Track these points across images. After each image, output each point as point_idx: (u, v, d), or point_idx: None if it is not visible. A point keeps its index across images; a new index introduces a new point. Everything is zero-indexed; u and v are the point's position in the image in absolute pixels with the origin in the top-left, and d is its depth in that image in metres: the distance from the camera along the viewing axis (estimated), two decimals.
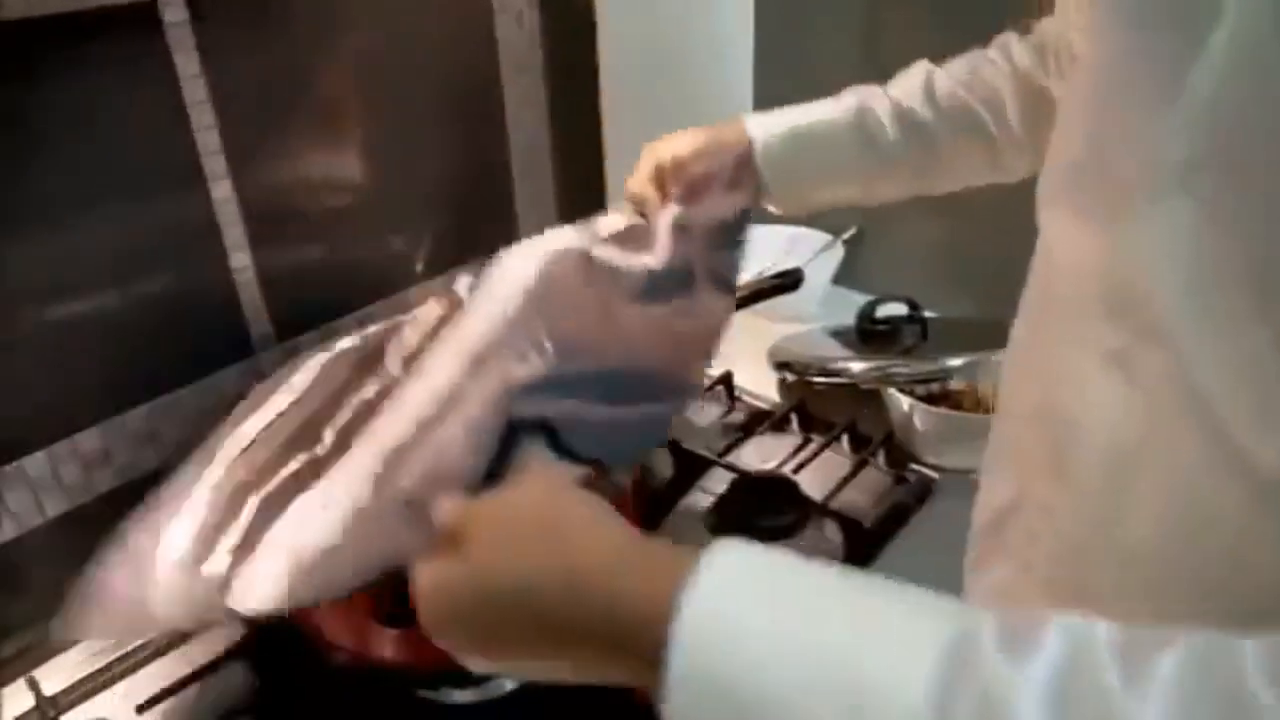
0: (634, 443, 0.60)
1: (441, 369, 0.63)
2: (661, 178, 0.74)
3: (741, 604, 0.31)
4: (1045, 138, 0.53)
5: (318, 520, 0.54)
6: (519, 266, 0.73)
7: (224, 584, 0.55)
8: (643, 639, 0.32)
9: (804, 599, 0.32)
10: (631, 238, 0.73)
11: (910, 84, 0.72)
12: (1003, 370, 0.54)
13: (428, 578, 0.40)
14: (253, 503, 0.58)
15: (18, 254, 0.65)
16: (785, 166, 0.73)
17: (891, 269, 1.18)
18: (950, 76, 0.72)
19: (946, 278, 1.13)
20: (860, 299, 1.20)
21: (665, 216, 0.73)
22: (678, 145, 0.74)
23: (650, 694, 0.32)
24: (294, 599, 0.52)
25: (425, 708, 0.66)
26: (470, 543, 0.39)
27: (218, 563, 0.56)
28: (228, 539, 0.57)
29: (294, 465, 0.60)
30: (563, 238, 0.76)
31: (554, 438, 0.55)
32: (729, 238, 0.71)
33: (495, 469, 0.52)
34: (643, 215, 0.76)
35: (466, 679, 0.66)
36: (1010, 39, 0.71)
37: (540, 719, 0.66)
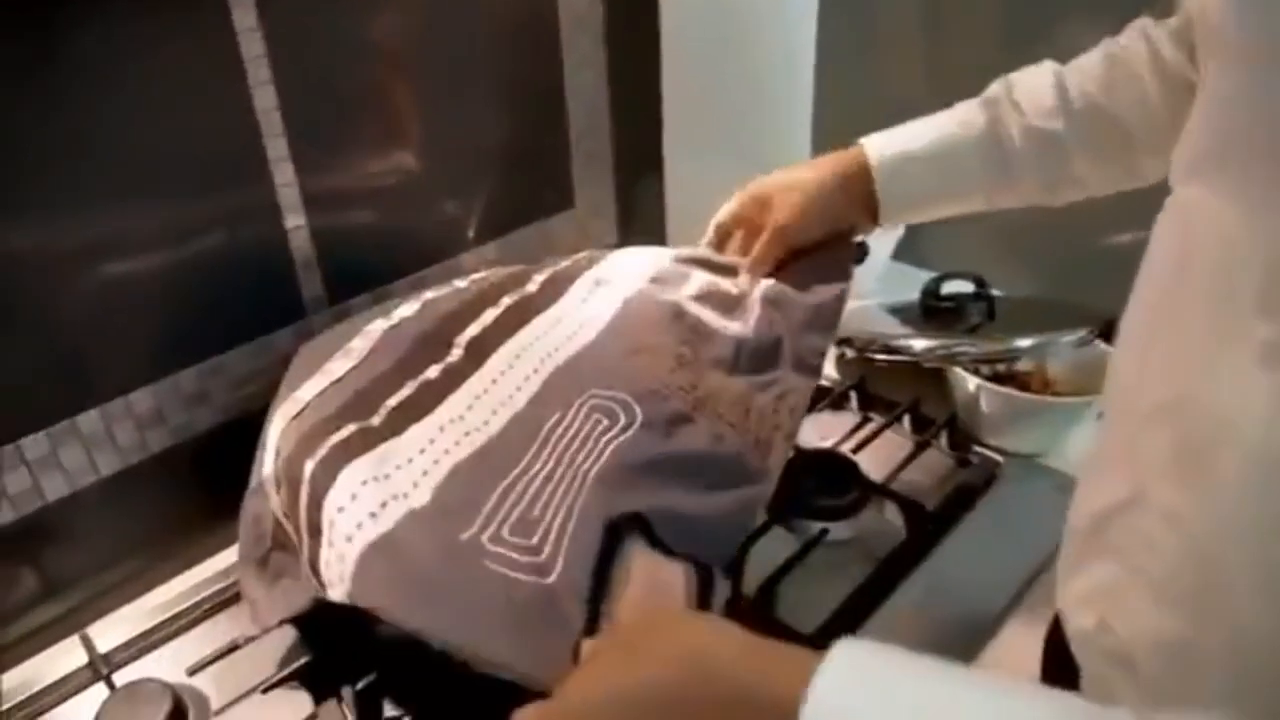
0: (728, 536, 0.58)
1: (516, 387, 0.63)
2: (753, 218, 0.74)
3: (860, 704, 0.33)
4: None
5: (375, 514, 0.54)
6: (606, 296, 0.73)
7: (312, 569, 0.55)
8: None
9: (923, 702, 0.34)
10: (723, 301, 0.72)
11: (1039, 93, 0.67)
12: (1115, 361, 0.50)
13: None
14: (309, 467, 0.57)
15: (72, 214, 0.64)
16: (904, 192, 0.71)
17: (954, 245, 1.14)
18: (1084, 78, 0.66)
19: (1013, 255, 1.09)
20: (920, 275, 1.17)
21: (761, 287, 0.72)
22: (784, 204, 0.72)
23: None
24: (354, 598, 0.52)
25: (473, 681, 0.65)
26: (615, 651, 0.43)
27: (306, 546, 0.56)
28: (300, 516, 0.56)
29: (344, 433, 0.59)
30: (657, 263, 0.77)
31: (649, 530, 0.54)
32: (823, 322, 0.70)
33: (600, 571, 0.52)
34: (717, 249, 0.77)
35: None
36: (1147, 26, 0.65)
37: None
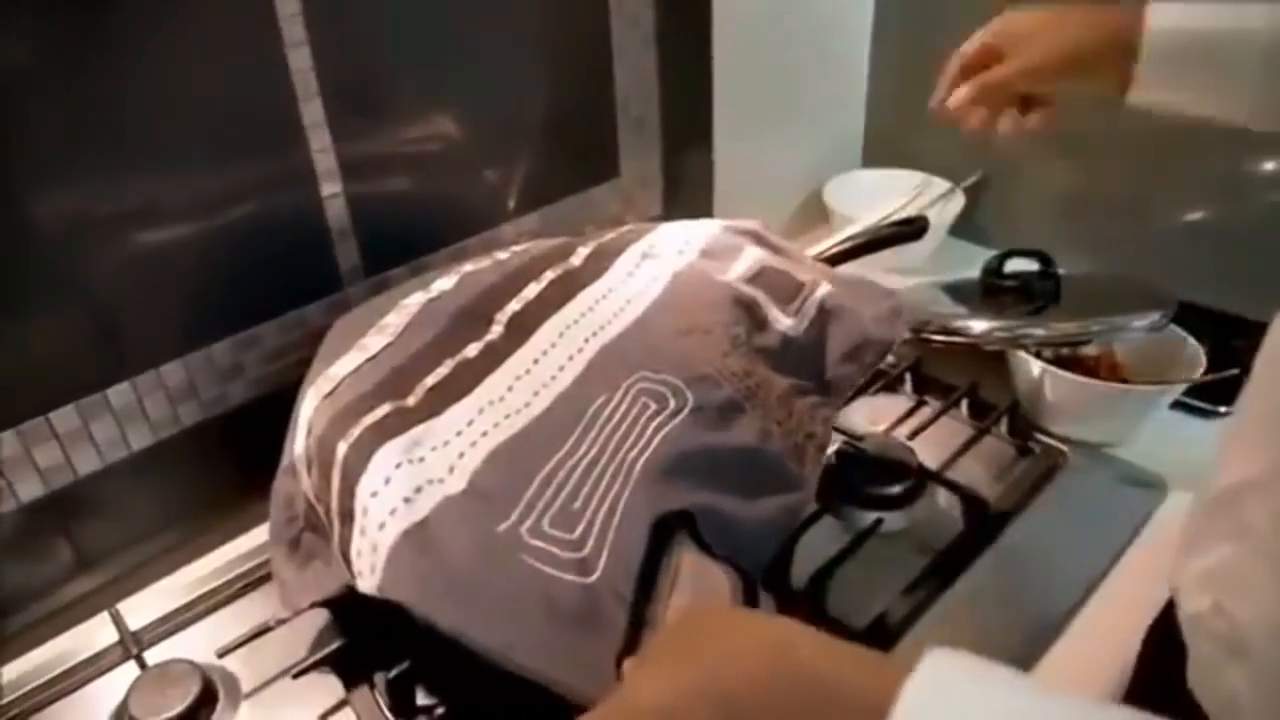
0: (766, 544, 0.56)
1: (559, 366, 0.60)
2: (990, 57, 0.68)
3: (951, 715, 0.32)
4: None
5: (410, 499, 0.51)
6: (654, 270, 0.69)
7: (343, 556, 0.53)
8: None
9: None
10: (780, 286, 0.68)
11: None
12: (1274, 327, 0.46)
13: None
14: (341, 449, 0.54)
15: (102, 183, 0.62)
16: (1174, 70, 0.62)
17: (1016, 221, 1.09)
18: None
19: (1079, 232, 1.04)
20: (980, 252, 1.12)
21: (823, 291, 0.69)
22: (1041, 44, 0.66)
23: None
24: (385, 591, 0.50)
25: (500, 678, 0.63)
26: (673, 653, 0.40)
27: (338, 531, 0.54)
28: (332, 499, 0.54)
29: (378, 414, 0.56)
30: (708, 235, 0.73)
31: (695, 530, 0.52)
32: (863, 359, 0.68)
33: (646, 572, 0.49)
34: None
35: None
36: None
37: None
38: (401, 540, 0.49)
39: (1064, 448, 0.78)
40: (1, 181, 0.57)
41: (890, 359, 0.90)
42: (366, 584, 0.50)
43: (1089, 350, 0.83)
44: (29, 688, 0.63)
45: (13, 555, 0.65)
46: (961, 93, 0.68)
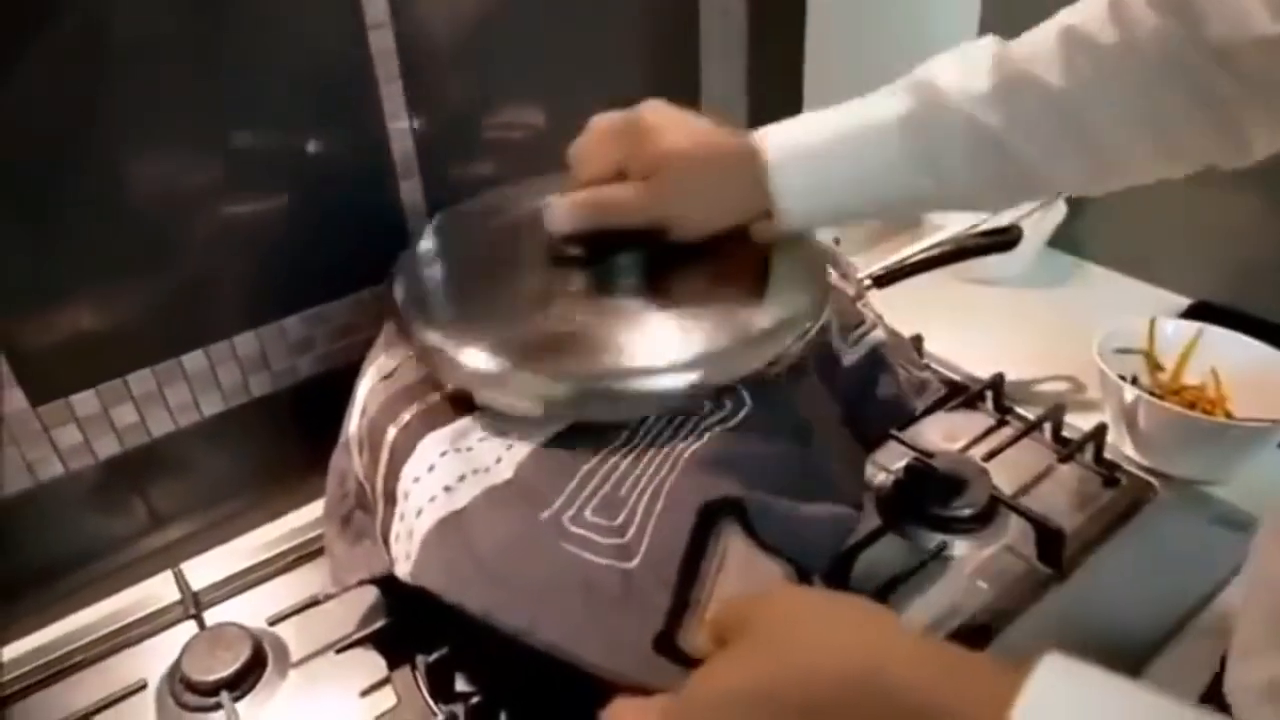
0: (822, 544, 0.53)
1: None
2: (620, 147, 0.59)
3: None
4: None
5: (451, 488, 0.51)
6: None
7: (383, 539, 0.53)
8: None
9: None
10: (840, 311, 0.66)
11: (972, 75, 0.56)
12: None
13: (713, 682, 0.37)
14: (391, 433, 0.54)
15: (187, 157, 0.63)
16: (803, 187, 0.57)
17: (1119, 234, 1.03)
18: (1034, 57, 0.55)
19: (1187, 252, 0.97)
20: (1076, 265, 1.07)
21: (876, 332, 0.67)
22: (671, 134, 0.57)
23: None
24: (417, 579, 0.50)
25: (539, 662, 0.62)
26: (758, 641, 0.37)
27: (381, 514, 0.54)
28: (378, 481, 0.54)
29: (430, 400, 0.56)
30: None
31: (745, 518, 0.50)
32: (891, 417, 0.68)
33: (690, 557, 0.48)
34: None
35: None
36: None
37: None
38: (435, 528, 0.49)
39: (1154, 481, 0.73)
40: (93, 151, 0.59)
41: (969, 371, 0.86)
42: (401, 569, 0.50)
43: (1189, 380, 0.78)
44: (94, 637, 0.65)
45: (89, 509, 0.68)
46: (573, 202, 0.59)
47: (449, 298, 0.63)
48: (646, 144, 0.57)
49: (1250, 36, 0.48)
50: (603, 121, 0.61)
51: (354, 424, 0.60)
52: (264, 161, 0.67)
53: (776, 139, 0.57)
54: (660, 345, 0.54)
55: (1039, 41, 0.56)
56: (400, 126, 0.70)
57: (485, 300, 0.61)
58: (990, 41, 0.58)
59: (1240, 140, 0.53)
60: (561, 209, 0.59)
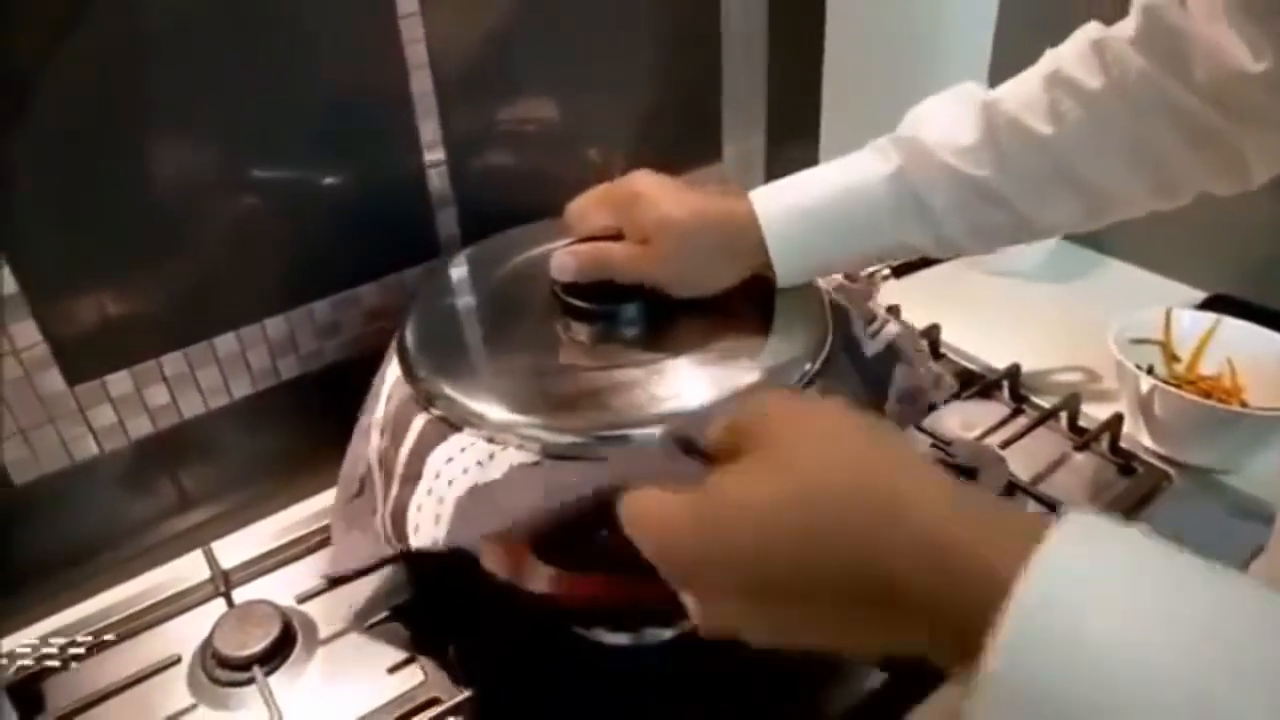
0: None
1: None
2: (615, 211, 0.60)
3: (1098, 572, 0.27)
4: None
5: (483, 463, 0.52)
6: None
7: (400, 515, 0.54)
8: (972, 593, 0.28)
9: (1171, 579, 0.27)
10: (857, 303, 0.66)
11: (957, 129, 0.57)
12: None
13: (712, 496, 0.35)
14: (420, 420, 0.55)
15: (221, 141, 0.64)
16: (797, 242, 0.58)
17: (1134, 228, 1.03)
18: (1020, 104, 0.56)
19: (1203, 246, 0.98)
20: (1094, 258, 1.07)
21: (891, 326, 0.66)
22: (665, 202, 0.58)
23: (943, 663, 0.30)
24: (453, 539, 0.51)
25: (576, 645, 0.64)
26: (775, 450, 0.35)
27: (394, 493, 0.55)
28: (398, 465, 0.55)
29: None
30: None
31: None
32: (916, 407, 0.66)
33: None
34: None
35: (621, 620, 0.63)
36: (1093, 32, 0.56)
37: (695, 671, 0.62)
38: (469, 494, 0.50)
39: (1169, 470, 0.74)
40: (133, 137, 0.60)
41: (986, 361, 0.87)
42: (426, 536, 0.51)
43: (1206, 370, 0.79)
44: (127, 613, 0.66)
45: (122, 489, 0.69)
46: (575, 253, 0.60)
47: (459, 343, 0.63)
48: (641, 210, 0.58)
49: (1236, 75, 0.49)
50: (597, 189, 0.63)
51: (379, 410, 0.61)
52: (297, 152, 0.68)
53: (769, 202, 0.58)
54: (661, 395, 0.54)
55: (1025, 88, 0.57)
56: (428, 112, 0.71)
57: (493, 346, 0.62)
58: (974, 89, 0.59)
59: (1240, 170, 0.54)
60: (564, 258, 0.60)
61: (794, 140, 0.96)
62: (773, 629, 0.35)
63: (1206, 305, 0.94)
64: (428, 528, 0.52)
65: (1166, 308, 0.80)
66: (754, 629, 0.36)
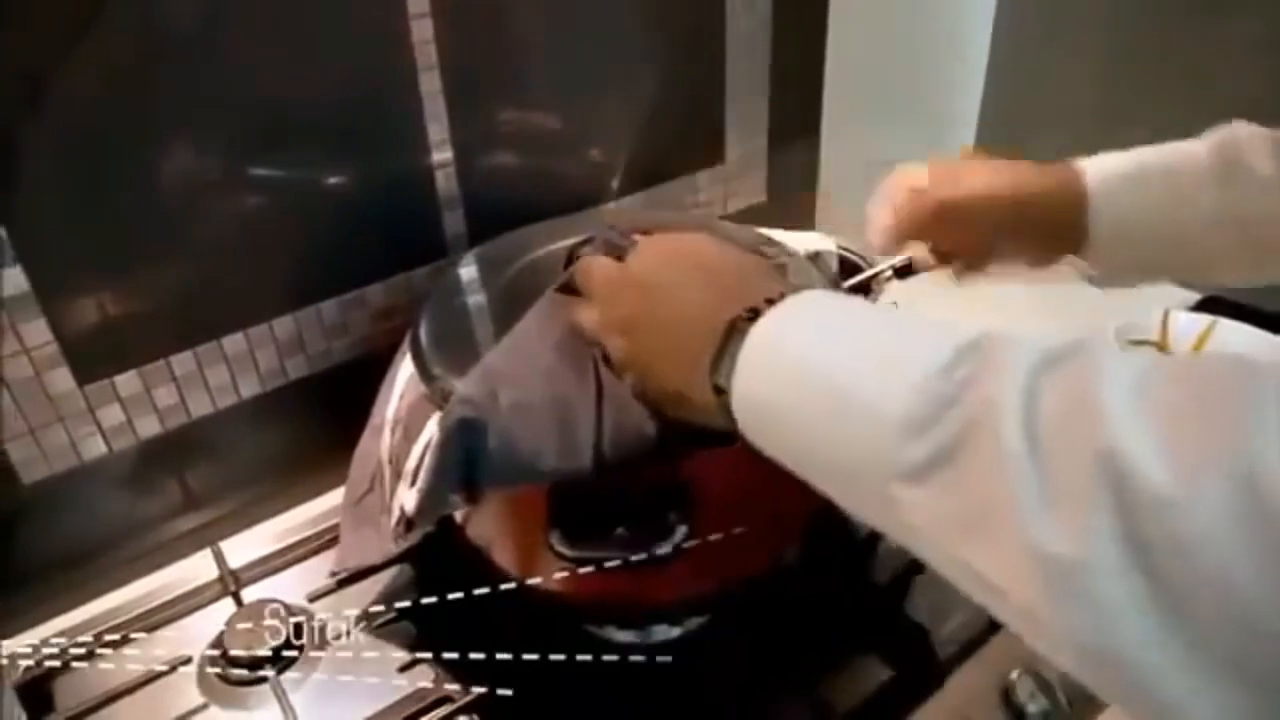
0: None
1: None
2: (919, 215, 0.61)
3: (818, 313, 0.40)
4: None
5: None
6: None
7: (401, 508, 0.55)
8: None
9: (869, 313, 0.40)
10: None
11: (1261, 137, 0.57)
12: None
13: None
14: (435, 419, 0.56)
15: (229, 142, 0.64)
16: (1122, 208, 0.58)
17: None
18: None
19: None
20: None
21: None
22: (961, 183, 0.60)
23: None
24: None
25: (575, 642, 0.64)
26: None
27: (399, 485, 0.55)
28: (409, 461, 0.55)
29: None
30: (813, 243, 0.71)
31: None
32: None
33: None
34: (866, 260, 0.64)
35: (630, 618, 0.64)
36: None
37: (704, 669, 0.63)
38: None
39: None
40: (144, 137, 0.61)
41: None
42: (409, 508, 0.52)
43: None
44: (135, 613, 0.66)
45: (130, 488, 0.69)
46: (885, 220, 0.62)
47: (474, 341, 0.62)
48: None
49: None
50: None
51: (391, 408, 0.61)
52: (306, 153, 0.68)
53: (1091, 166, 0.59)
54: None
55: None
56: (437, 113, 0.72)
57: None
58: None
59: None
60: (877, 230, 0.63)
61: (796, 142, 0.97)
62: (642, 353, 0.47)
63: (1200, 307, 0.95)
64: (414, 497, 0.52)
65: (1164, 309, 0.81)
66: (633, 353, 0.47)
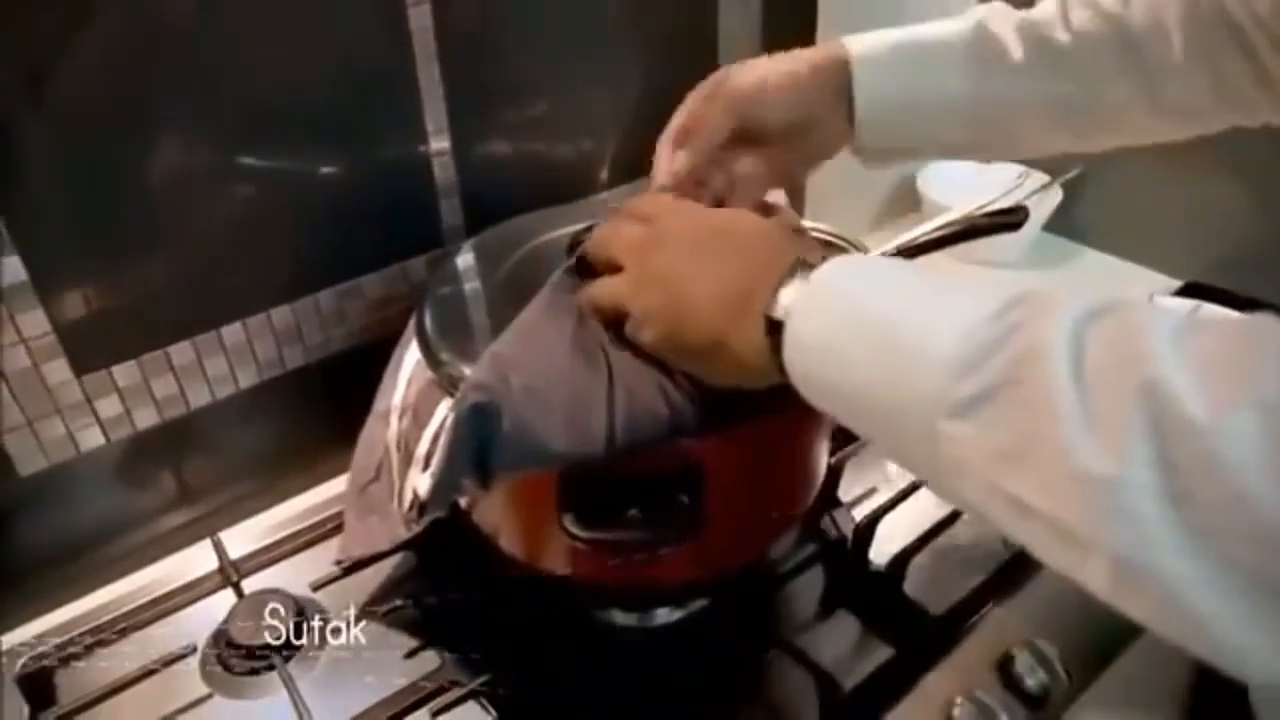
0: None
1: None
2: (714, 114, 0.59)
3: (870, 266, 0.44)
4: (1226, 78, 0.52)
5: None
6: None
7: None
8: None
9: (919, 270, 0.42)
10: None
11: (1045, 5, 0.59)
12: None
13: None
14: (444, 405, 0.56)
15: (227, 132, 0.64)
16: (884, 90, 0.59)
17: (1115, 220, 1.07)
18: None
19: (1178, 236, 1.01)
20: (1073, 248, 1.10)
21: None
22: (746, 71, 0.58)
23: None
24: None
25: (580, 625, 0.65)
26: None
27: (408, 471, 0.55)
28: (420, 446, 0.55)
29: None
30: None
31: None
32: None
33: None
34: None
35: (634, 601, 0.64)
36: None
37: (708, 650, 0.64)
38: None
39: None
40: (141, 127, 0.60)
41: None
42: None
43: None
44: (133, 605, 0.66)
45: (128, 479, 0.69)
46: (680, 160, 0.59)
47: (478, 328, 0.62)
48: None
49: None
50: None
51: (399, 395, 0.61)
52: (304, 142, 0.68)
53: (853, 40, 0.59)
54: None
55: None
56: (435, 103, 0.72)
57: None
58: None
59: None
60: (661, 159, 0.60)
61: None
62: (678, 303, 0.47)
63: (1180, 293, 0.97)
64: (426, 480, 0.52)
65: (1149, 295, 0.83)
66: (668, 305, 0.48)
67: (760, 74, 0.58)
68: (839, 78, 0.59)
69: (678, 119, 0.61)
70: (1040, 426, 0.31)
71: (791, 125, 0.59)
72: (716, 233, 0.49)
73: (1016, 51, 0.58)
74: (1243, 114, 0.58)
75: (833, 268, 0.42)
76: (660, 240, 0.49)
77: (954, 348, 0.35)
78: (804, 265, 0.43)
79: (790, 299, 0.42)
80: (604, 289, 0.51)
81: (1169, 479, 0.28)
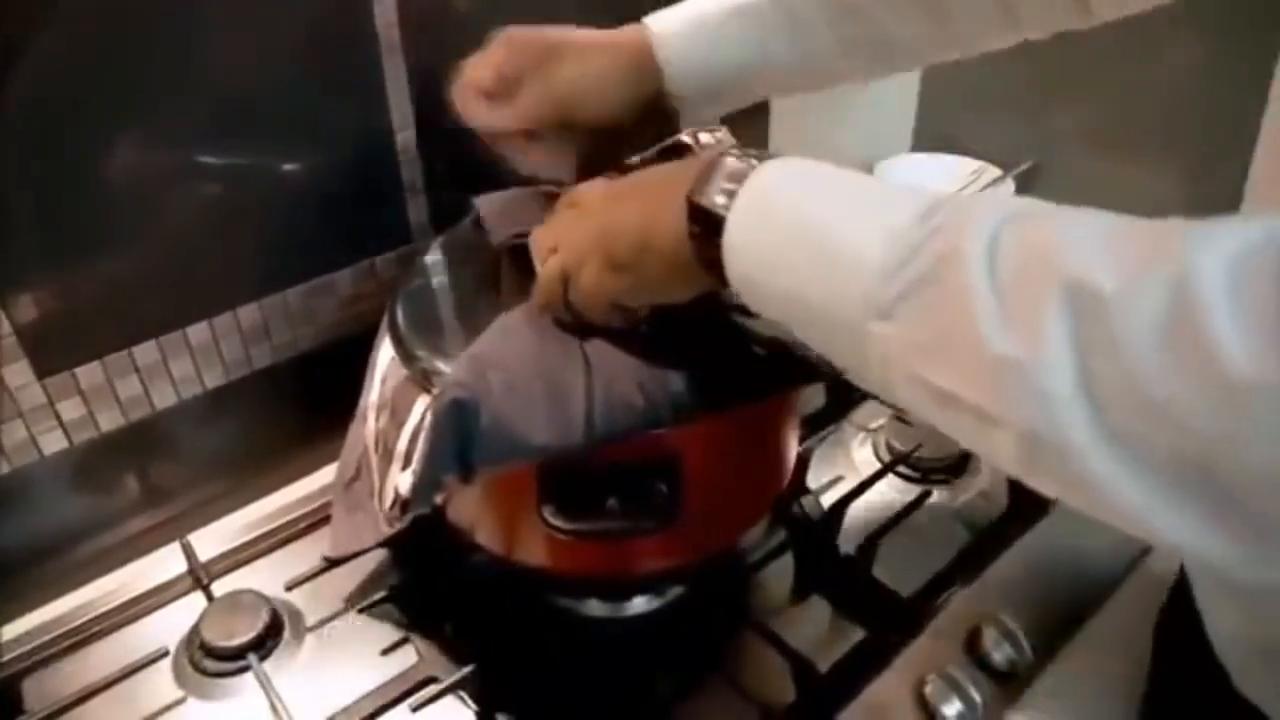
0: None
1: None
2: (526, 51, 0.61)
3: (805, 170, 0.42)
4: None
5: None
6: None
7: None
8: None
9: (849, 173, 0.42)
10: None
11: None
12: None
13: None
14: (423, 402, 0.56)
15: (190, 129, 0.63)
16: (689, 64, 0.60)
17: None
18: None
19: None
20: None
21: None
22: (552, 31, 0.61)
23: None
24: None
25: (558, 617, 0.65)
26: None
27: (388, 468, 0.55)
28: (399, 443, 0.55)
29: None
30: None
31: None
32: None
33: None
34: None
35: (612, 592, 0.65)
36: None
37: (672, 638, 0.65)
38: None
39: None
40: (102, 124, 0.59)
41: None
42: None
43: None
44: (102, 610, 0.65)
45: (93, 483, 0.68)
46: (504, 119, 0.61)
47: (450, 323, 0.63)
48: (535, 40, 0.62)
49: None
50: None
51: (374, 393, 0.61)
52: (269, 138, 0.67)
53: (656, 18, 0.61)
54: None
55: None
56: (401, 98, 0.71)
57: (486, 322, 0.61)
58: None
59: (1081, 4, 0.57)
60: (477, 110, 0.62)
61: (743, 130, 0.99)
62: (596, 246, 0.49)
63: None
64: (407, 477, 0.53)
65: None
66: (586, 252, 0.50)
67: (577, 72, 0.61)
68: (649, 63, 0.60)
69: (483, 70, 0.62)
70: (960, 319, 0.33)
71: (608, 120, 0.61)
72: (633, 181, 0.52)
73: (807, 9, 0.59)
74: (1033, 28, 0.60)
75: (770, 171, 0.42)
76: (585, 210, 0.52)
77: (881, 252, 0.36)
78: (732, 158, 0.43)
79: (724, 199, 0.42)
80: (546, 269, 0.52)
81: (1078, 358, 0.29)
